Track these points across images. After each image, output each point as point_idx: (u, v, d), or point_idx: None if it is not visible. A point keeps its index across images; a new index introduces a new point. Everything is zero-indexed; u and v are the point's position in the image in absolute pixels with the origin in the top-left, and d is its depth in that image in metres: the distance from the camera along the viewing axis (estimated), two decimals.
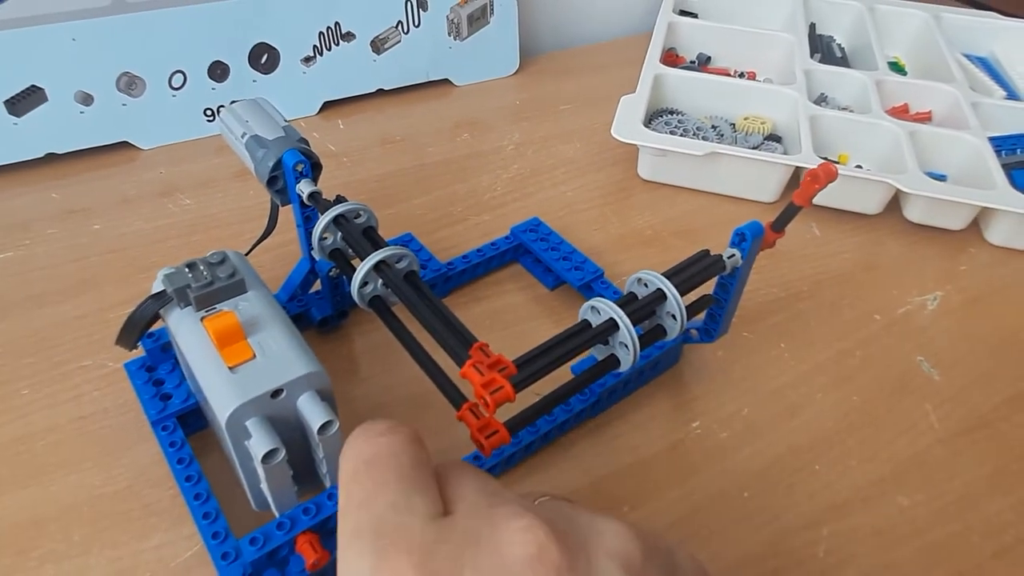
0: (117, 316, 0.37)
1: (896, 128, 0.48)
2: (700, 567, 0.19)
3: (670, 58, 0.61)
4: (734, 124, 0.53)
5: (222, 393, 0.23)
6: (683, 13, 0.65)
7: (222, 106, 0.51)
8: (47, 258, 0.41)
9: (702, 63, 0.61)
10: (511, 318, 0.39)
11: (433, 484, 0.18)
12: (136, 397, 0.31)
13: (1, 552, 0.28)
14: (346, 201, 0.31)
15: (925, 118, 0.54)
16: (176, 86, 0.49)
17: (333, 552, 0.25)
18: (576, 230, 0.45)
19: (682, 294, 0.28)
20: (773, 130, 0.52)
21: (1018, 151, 0.48)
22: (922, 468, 0.33)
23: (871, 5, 0.65)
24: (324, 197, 0.31)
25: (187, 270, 0.26)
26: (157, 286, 0.26)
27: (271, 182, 0.31)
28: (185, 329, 0.25)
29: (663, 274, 0.29)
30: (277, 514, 0.25)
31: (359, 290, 0.29)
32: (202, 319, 0.25)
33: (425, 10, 0.54)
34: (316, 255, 0.32)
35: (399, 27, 0.54)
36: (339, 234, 0.31)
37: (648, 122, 0.51)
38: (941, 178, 0.49)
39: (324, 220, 0.30)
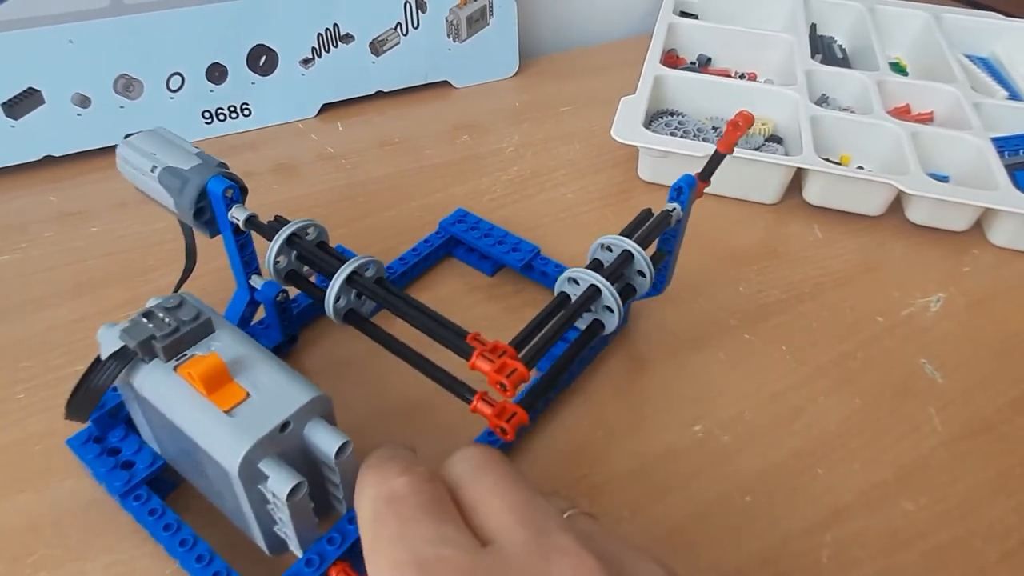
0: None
1: (898, 129, 0.48)
2: None
3: (670, 59, 0.61)
4: None
5: (225, 440, 0.22)
6: (683, 14, 0.65)
7: (220, 108, 0.51)
8: (44, 261, 0.41)
9: (702, 64, 0.61)
10: (458, 309, 0.39)
11: (458, 516, 0.19)
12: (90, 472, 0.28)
13: None
14: (290, 220, 0.30)
15: (927, 119, 0.54)
16: (174, 88, 0.49)
17: None
18: (577, 232, 0.44)
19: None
20: (774, 131, 0.52)
21: (1021, 152, 0.48)
22: (925, 471, 0.32)
23: (871, 6, 0.64)
24: (256, 218, 0.30)
25: (145, 320, 0.23)
26: (108, 343, 0.24)
27: (197, 215, 0.29)
28: (156, 384, 0.23)
29: (613, 235, 0.30)
30: (300, 553, 0.24)
31: (334, 306, 0.28)
32: (175, 369, 0.23)
33: (424, 12, 0.54)
34: (262, 281, 0.31)
35: (398, 29, 0.54)
36: (293, 254, 0.30)
37: (648, 123, 0.50)
38: (944, 179, 0.48)
39: (278, 242, 0.29)
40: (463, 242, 0.41)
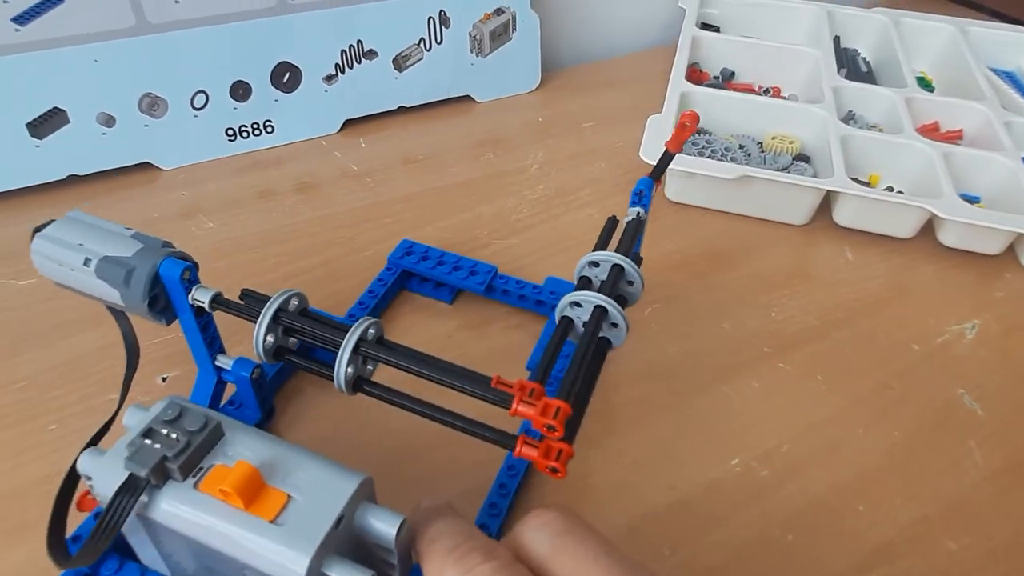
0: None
1: (929, 149, 0.47)
2: None
3: (693, 73, 0.60)
4: (761, 143, 0.52)
5: (282, 553, 0.20)
6: (704, 27, 0.64)
7: (244, 126, 0.50)
8: None
9: (726, 79, 0.61)
10: (432, 342, 0.38)
11: None
12: None
13: None
14: (259, 294, 0.27)
15: (956, 137, 0.53)
16: (198, 106, 0.48)
17: None
18: None
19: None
20: (801, 149, 0.52)
21: None
22: (968, 507, 0.32)
23: (896, 18, 0.64)
24: (224, 296, 0.27)
25: (148, 441, 0.21)
26: (105, 475, 0.21)
27: (150, 304, 0.26)
28: (176, 508, 0.21)
29: (601, 249, 0.30)
30: None
31: (345, 377, 0.25)
32: (196, 487, 0.21)
33: (447, 27, 0.54)
34: (231, 360, 0.29)
35: (421, 44, 0.53)
36: (279, 329, 0.27)
37: None
38: (974, 200, 0.48)
39: (265, 320, 0.26)
40: (416, 273, 0.40)
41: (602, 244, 0.32)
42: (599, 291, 0.29)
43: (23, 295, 0.40)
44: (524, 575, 0.19)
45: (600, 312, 0.28)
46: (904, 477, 0.33)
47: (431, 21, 0.53)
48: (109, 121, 0.46)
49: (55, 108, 0.44)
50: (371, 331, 0.26)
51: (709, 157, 0.49)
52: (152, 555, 0.24)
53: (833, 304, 0.42)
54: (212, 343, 0.30)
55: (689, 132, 0.33)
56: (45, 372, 0.35)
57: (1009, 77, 0.61)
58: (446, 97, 0.57)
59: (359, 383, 0.26)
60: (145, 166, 0.49)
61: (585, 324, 0.28)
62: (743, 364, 0.38)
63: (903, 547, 0.30)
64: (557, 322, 0.29)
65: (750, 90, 0.59)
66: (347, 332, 0.25)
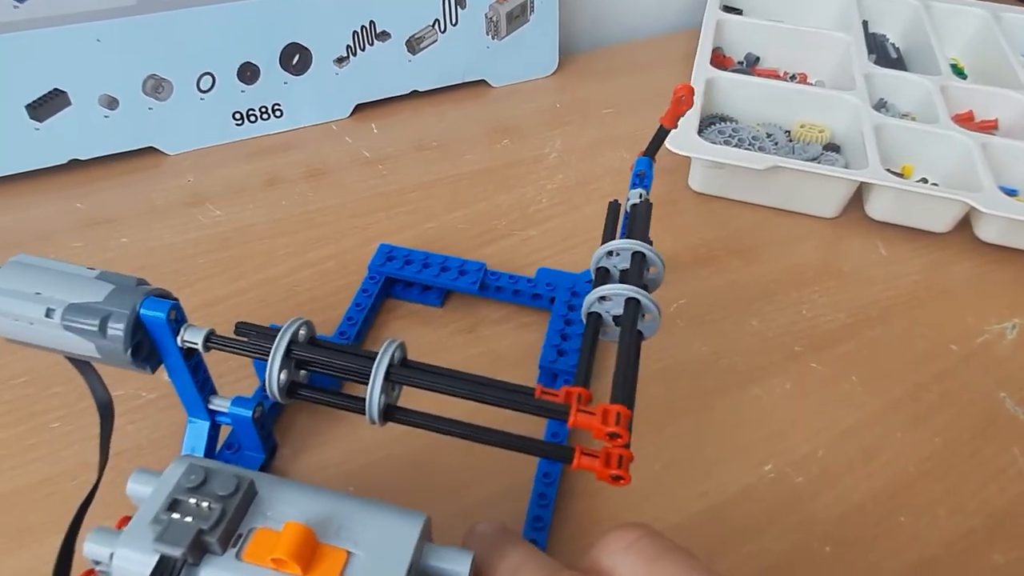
0: None
1: (967, 140, 0.45)
2: None
3: (717, 59, 0.58)
4: (789, 132, 0.50)
5: None
6: (727, 9, 0.62)
7: (251, 110, 0.48)
8: None
9: (751, 64, 0.58)
10: (431, 352, 0.35)
11: None
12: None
13: None
14: (258, 326, 0.24)
15: (991, 126, 0.51)
16: (204, 89, 0.46)
17: None
18: None
19: None
20: (831, 139, 0.50)
21: None
22: (1016, 519, 0.30)
23: (927, 3, 0.61)
24: (218, 334, 0.24)
25: (175, 515, 0.19)
26: (126, 561, 0.19)
27: (134, 353, 0.23)
28: None
29: (610, 237, 0.29)
30: None
31: (378, 408, 0.23)
32: (239, 557, 0.19)
33: (463, 8, 0.52)
34: (227, 400, 0.27)
35: (436, 26, 0.51)
36: (292, 364, 0.24)
37: (699, 130, 0.48)
38: (1012, 193, 0.46)
39: (278, 357, 0.23)
40: (400, 279, 0.37)
41: (610, 231, 0.31)
42: (621, 281, 0.27)
43: None
44: None
45: (634, 304, 0.26)
46: (946, 486, 0.31)
47: (446, 2, 0.51)
48: (112, 104, 0.44)
49: (55, 89, 0.42)
50: (397, 354, 0.23)
51: (736, 146, 0.47)
52: None
53: (866, 301, 0.40)
54: (203, 385, 0.27)
55: (686, 107, 0.32)
56: (46, 368, 0.34)
57: None
58: (461, 81, 0.55)
59: (389, 411, 0.23)
60: (149, 151, 0.47)
61: (616, 318, 0.27)
62: (774, 364, 0.36)
63: (948, 561, 0.29)
64: (585, 319, 0.28)
65: (775, 76, 0.57)
66: (372, 359, 0.23)
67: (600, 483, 0.30)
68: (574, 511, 0.30)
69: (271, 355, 0.23)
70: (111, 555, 0.19)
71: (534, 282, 0.37)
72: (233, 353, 0.24)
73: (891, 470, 0.32)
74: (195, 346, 0.24)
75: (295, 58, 0.48)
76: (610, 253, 0.29)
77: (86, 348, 0.23)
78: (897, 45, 0.61)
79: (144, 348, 0.24)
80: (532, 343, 0.36)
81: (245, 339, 0.24)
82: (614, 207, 0.32)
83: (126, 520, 0.20)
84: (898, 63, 0.58)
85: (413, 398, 0.24)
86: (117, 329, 0.22)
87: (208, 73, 0.46)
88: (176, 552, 0.18)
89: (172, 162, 0.47)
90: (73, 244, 0.41)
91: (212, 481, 0.19)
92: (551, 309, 0.36)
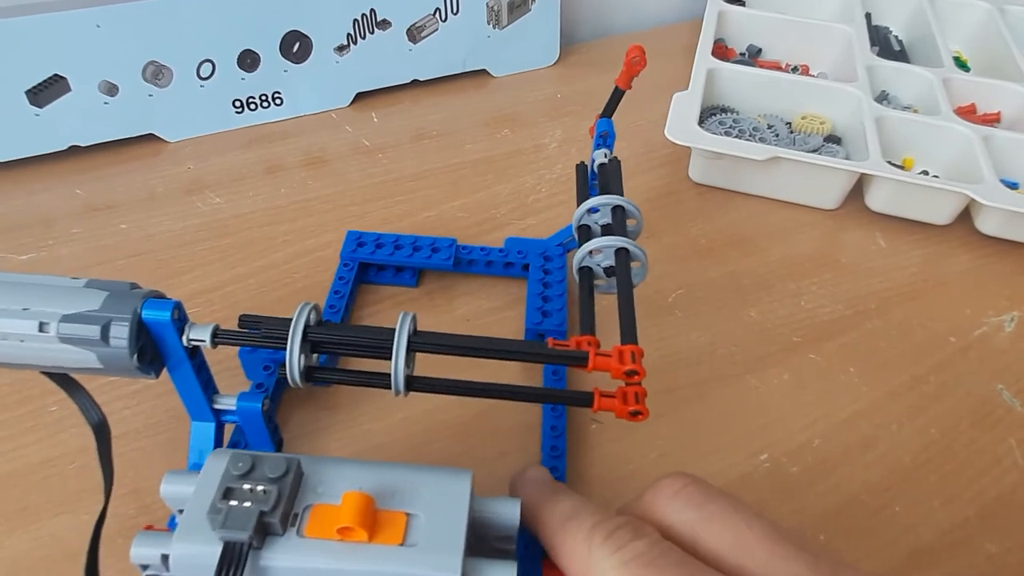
0: None
1: (969, 132, 0.45)
2: None
3: (719, 50, 0.58)
4: (790, 124, 0.50)
5: (427, 572, 0.19)
6: (730, 0, 0.61)
7: (251, 97, 0.48)
8: (72, 260, 0.39)
9: (752, 55, 0.58)
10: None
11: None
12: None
13: None
14: (262, 317, 0.24)
15: (993, 120, 0.51)
16: (204, 76, 0.46)
17: None
18: None
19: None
20: (832, 131, 0.49)
21: None
22: (1009, 510, 0.30)
23: None
24: (223, 328, 0.24)
25: (232, 502, 0.19)
26: (186, 556, 0.19)
27: (139, 358, 0.22)
28: (294, 563, 0.19)
29: (596, 194, 0.30)
30: None
31: (404, 379, 0.23)
32: (301, 535, 0.19)
33: None
34: (233, 397, 0.26)
35: (437, 15, 0.51)
36: (307, 348, 0.24)
37: (700, 121, 0.48)
38: (1012, 186, 0.46)
39: (296, 340, 0.23)
40: (373, 263, 0.37)
41: (581, 192, 0.32)
42: (605, 235, 0.29)
43: (23, 270, 0.38)
44: (675, 550, 0.18)
45: (624, 254, 0.28)
46: (942, 476, 0.31)
47: None
48: (112, 90, 0.44)
49: (55, 75, 0.42)
50: (412, 325, 0.24)
51: (736, 137, 0.47)
52: None
53: (865, 293, 0.40)
54: (207, 386, 0.26)
55: (639, 67, 0.33)
56: None
57: None
58: (462, 71, 0.55)
59: (409, 381, 0.24)
60: (149, 138, 0.47)
61: (607, 270, 0.29)
62: (772, 354, 0.36)
63: (942, 552, 0.29)
64: (576, 274, 0.29)
65: (777, 68, 0.57)
66: (385, 334, 0.23)
67: (598, 470, 0.30)
68: (579, 471, 0.30)
69: (290, 339, 0.23)
70: (163, 556, 0.20)
71: (505, 251, 0.38)
72: (243, 344, 0.24)
73: (887, 460, 0.32)
74: (202, 343, 0.23)
75: (295, 46, 0.48)
76: (591, 210, 0.30)
77: (86, 360, 0.22)
78: (900, 38, 0.61)
79: (147, 353, 0.23)
80: (512, 310, 0.37)
81: (255, 330, 0.24)
82: (582, 168, 0.34)
83: (150, 527, 0.20)
84: (901, 56, 0.58)
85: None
86: (120, 335, 0.21)
87: (208, 60, 0.46)
88: (243, 536, 0.18)
89: (172, 149, 0.47)
90: (72, 230, 0.41)
91: (260, 466, 0.19)
92: (526, 276, 0.37)
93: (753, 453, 0.32)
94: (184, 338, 0.23)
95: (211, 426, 0.27)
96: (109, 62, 0.44)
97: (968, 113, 0.51)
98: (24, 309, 0.21)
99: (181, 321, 0.23)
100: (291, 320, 0.23)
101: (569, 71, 0.58)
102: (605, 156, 0.32)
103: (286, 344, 0.23)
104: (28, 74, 0.42)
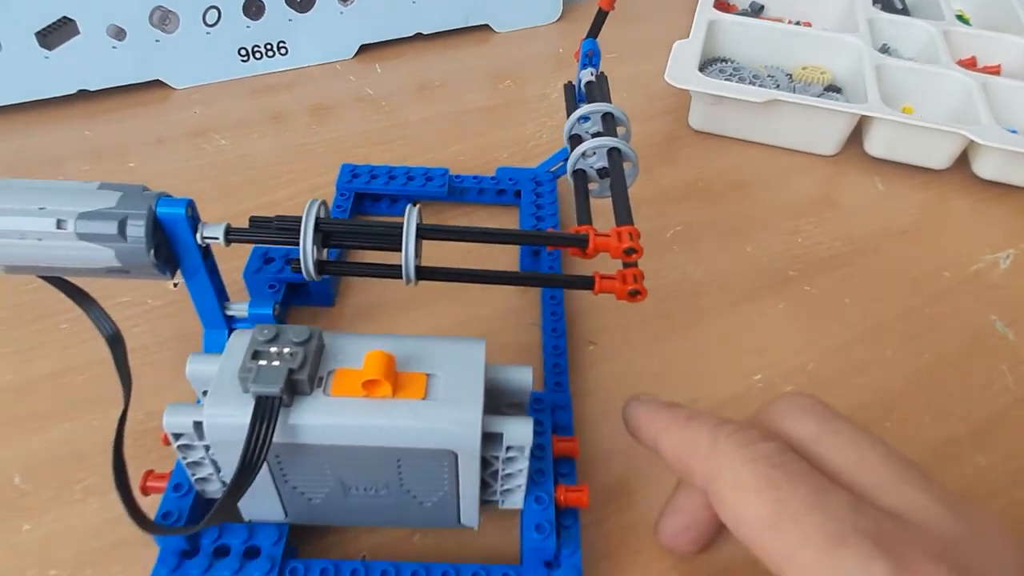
0: None
1: (967, 79, 0.45)
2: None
3: (721, 6, 0.58)
4: (791, 75, 0.50)
5: (449, 417, 0.19)
6: None
7: (257, 46, 0.49)
8: None
9: (755, 12, 0.58)
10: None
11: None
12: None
13: (45, 484, 0.27)
14: (269, 217, 0.24)
15: (994, 72, 0.51)
16: (210, 22, 0.47)
17: None
18: None
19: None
20: (833, 81, 0.50)
21: None
22: (1000, 428, 0.31)
23: None
24: (235, 226, 0.24)
25: (262, 362, 0.19)
26: (220, 416, 0.19)
27: (156, 254, 0.23)
28: (322, 419, 0.20)
29: (587, 105, 0.31)
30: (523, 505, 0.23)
31: (414, 266, 0.24)
32: (328, 394, 0.20)
33: None
34: (245, 303, 0.27)
35: None
36: (319, 240, 0.25)
37: (700, 70, 0.48)
38: (1012, 133, 0.46)
39: (309, 233, 0.24)
40: (369, 194, 0.38)
41: (570, 108, 0.33)
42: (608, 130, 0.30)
43: None
44: (802, 460, 0.18)
45: (616, 153, 0.29)
46: (932, 398, 0.32)
47: None
48: (119, 34, 0.45)
49: (64, 17, 0.43)
50: (420, 217, 0.25)
51: (738, 83, 0.48)
52: (260, 504, 0.22)
53: (862, 232, 0.40)
54: (219, 292, 0.27)
55: None
56: None
57: None
58: (464, 25, 0.55)
59: (419, 271, 0.25)
60: (156, 84, 0.48)
61: (600, 171, 0.30)
62: (768, 286, 0.37)
63: (932, 464, 0.29)
64: (571, 177, 0.30)
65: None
66: (393, 226, 0.24)
67: (591, 388, 0.31)
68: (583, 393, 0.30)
69: (303, 230, 0.24)
70: (195, 423, 0.20)
71: (497, 179, 0.39)
72: (255, 242, 0.25)
73: (879, 383, 0.32)
74: (216, 240, 0.24)
75: None
76: (581, 119, 0.31)
77: (104, 258, 0.22)
78: None
79: (163, 251, 0.23)
80: None
81: (269, 228, 0.24)
82: (570, 87, 0.34)
83: (167, 439, 0.21)
84: (903, 13, 0.58)
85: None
86: (137, 230, 0.22)
87: (214, 7, 0.46)
88: (274, 390, 0.19)
89: (179, 96, 0.48)
90: (82, 168, 0.42)
91: (284, 334, 0.20)
92: (518, 203, 0.38)
93: (748, 374, 0.32)
94: (198, 236, 0.24)
95: (224, 333, 0.28)
96: (117, 5, 0.44)
97: (969, 65, 0.51)
98: (41, 208, 0.22)
99: (194, 219, 0.24)
100: (301, 216, 0.24)
101: (572, 27, 0.58)
102: (591, 74, 0.33)
103: (298, 238, 0.24)
104: (38, 15, 0.43)
